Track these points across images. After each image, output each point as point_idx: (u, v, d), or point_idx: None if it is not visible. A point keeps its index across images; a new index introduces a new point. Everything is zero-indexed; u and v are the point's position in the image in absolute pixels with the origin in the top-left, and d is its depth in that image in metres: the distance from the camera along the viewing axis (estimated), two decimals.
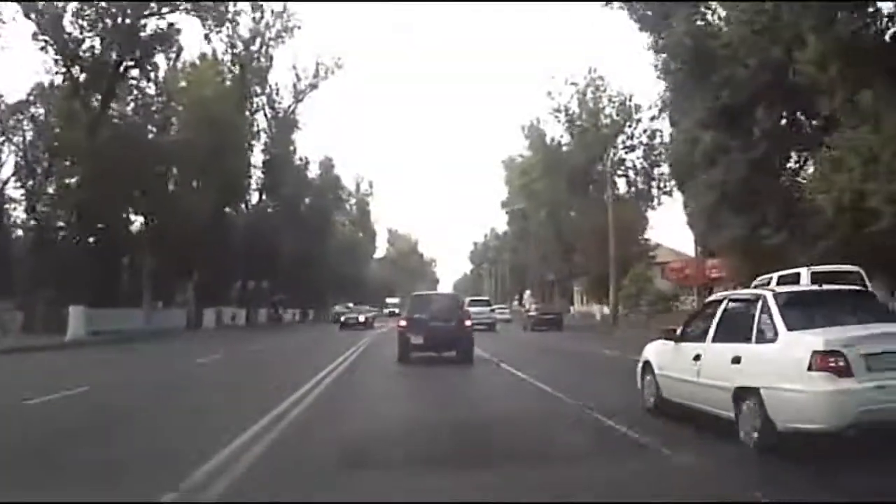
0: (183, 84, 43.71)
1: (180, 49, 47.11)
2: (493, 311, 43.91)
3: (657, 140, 50.27)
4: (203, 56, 44.57)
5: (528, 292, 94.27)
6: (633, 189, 51.40)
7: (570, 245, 56.72)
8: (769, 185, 24.67)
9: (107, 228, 35.59)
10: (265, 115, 51.65)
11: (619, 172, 50.42)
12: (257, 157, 52.53)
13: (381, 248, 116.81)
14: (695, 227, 46.87)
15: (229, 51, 46.73)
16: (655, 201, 50.66)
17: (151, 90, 45.60)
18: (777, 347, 6.44)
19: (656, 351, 9.06)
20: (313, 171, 63.40)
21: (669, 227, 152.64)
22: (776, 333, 6.52)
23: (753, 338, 6.79)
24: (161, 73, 45.05)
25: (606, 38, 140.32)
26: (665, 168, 48.18)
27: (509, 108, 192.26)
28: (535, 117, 56.31)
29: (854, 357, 5.86)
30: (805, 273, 13.94)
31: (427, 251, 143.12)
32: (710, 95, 24.59)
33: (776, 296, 6.97)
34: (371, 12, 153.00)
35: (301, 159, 59.55)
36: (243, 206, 51.59)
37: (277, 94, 51.59)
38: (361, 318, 44.11)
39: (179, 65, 45.14)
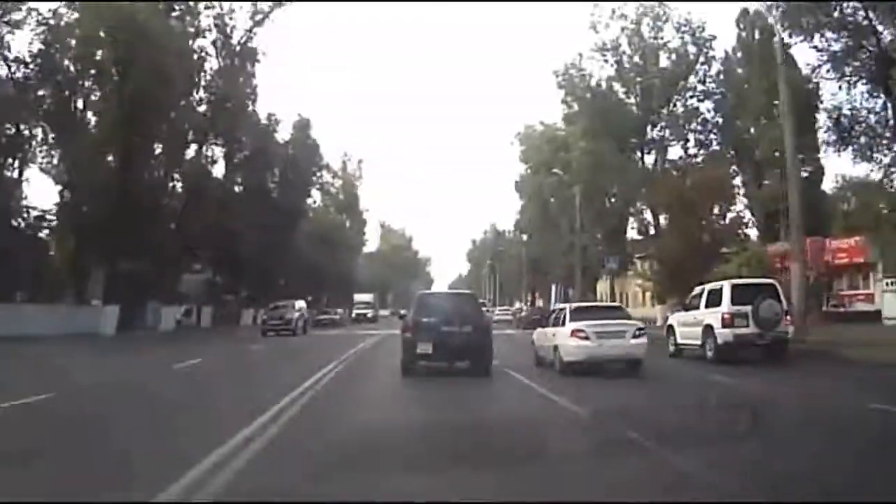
0: None
1: None
2: (488, 311, 49.48)
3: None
4: None
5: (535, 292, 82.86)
6: (704, 150, 38.72)
7: (616, 226, 44.40)
8: None
9: None
10: (215, 45, 37.90)
11: (690, 127, 37.95)
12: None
13: (372, 243, 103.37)
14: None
15: None
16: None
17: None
18: (565, 328, 14.51)
19: (536, 332, 17.52)
20: (284, 135, 49.84)
21: None
22: (566, 323, 14.69)
23: (561, 324, 14.97)
24: None
25: None
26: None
27: (508, 102, 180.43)
28: (577, 53, 42.35)
29: (591, 332, 13.98)
30: (727, 285, 17.36)
31: (421, 250, 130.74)
32: None
33: (570, 307, 16.12)
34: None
35: (270, 118, 46.17)
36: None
37: (230, 16, 37.65)
38: None
39: None
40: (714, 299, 17.16)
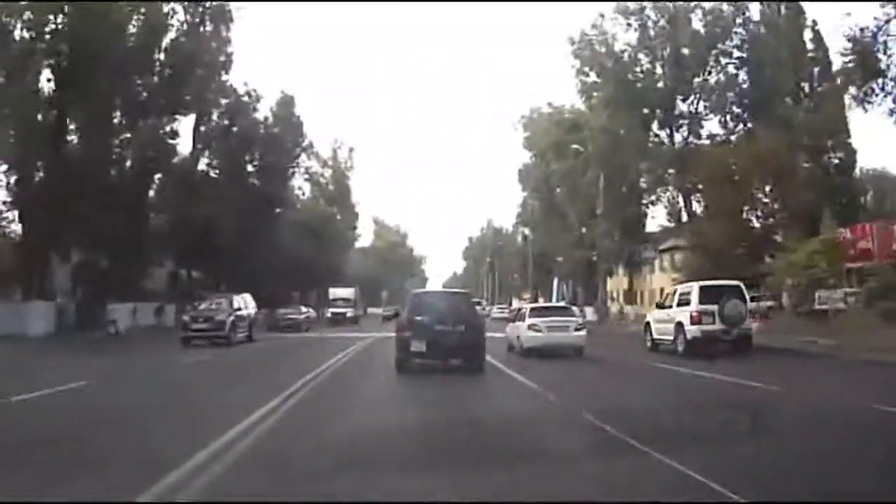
0: None
1: None
2: (484, 309, 51.00)
3: None
4: None
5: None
6: (742, 125, 33.73)
7: (635, 215, 39.51)
8: None
9: None
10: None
11: (728, 97, 33.07)
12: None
13: (365, 239, 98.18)
14: None
15: None
16: None
17: None
18: (525, 322, 18.73)
19: (508, 326, 22.11)
20: (267, 114, 44.50)
21: None
22: (527, 319, 18.76)
23: (523, 319, 19.11)
24: None
25: None
26: None
27: (503, 96, 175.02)
28: (598, 14, 36.84)
29: (543, 326, 18.23)
30: (696, 287, 18.92)
31: (416, 247, 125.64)
32: None
33: (529, 307, 21.32)
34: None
35: (249, 93, 41.04)
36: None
37: None
38: None
39: None
40: (684, 299, 18.98)
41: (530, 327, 18.31)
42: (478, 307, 41.28)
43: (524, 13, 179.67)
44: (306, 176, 64.67)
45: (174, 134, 32.66)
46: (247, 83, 40.17)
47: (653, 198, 39.94)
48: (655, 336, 20.11)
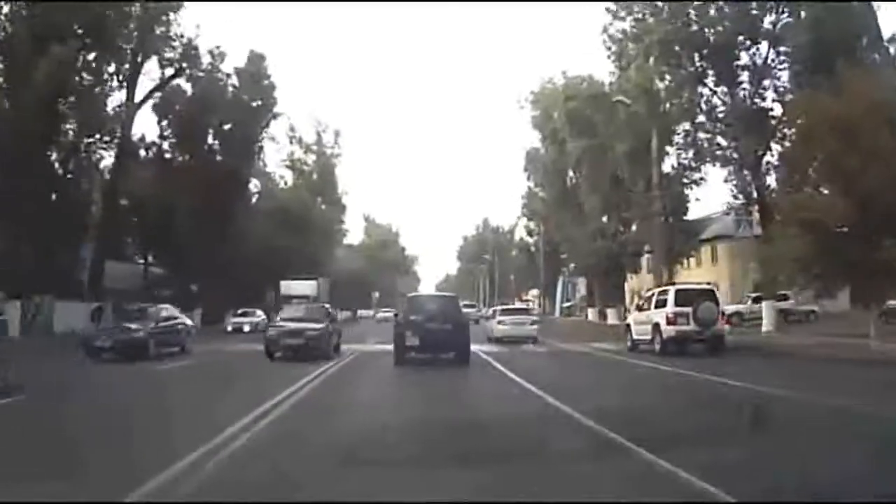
0: None
1: None
2: (479, 311, 53.39)
3: None
4: None
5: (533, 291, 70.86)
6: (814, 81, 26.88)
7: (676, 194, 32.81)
8: None
9: None
10: None
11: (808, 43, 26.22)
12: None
13: (354, 235, 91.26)
14: None
15: None
16: None
17: None
18: (496, 318, 28.25)
19: (488, 322, 30.33)
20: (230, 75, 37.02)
21: None
22: (497, 317, 28.47)
23: (494, 318, 28.66)
24: None
25: None
26: None
27: (497, 92, 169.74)
28: None
29: (508, 322, 27.47)
30: (672, 290, 20.52)
31: (408, 247, 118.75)
32: None
33: (500, 308, 31.87)
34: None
35: (212, 51, 33.95)
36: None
37: None
38: None
39: None
40: (662, 302, 20.39)
41: (499, 322, 27.00)
42: (472, 309, 45.06)
43: (524, 10, 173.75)
44: (287, 163, 58.19)
45: (93, 71, 24.84)
46: (199, 25, 33.06)
47: (696, 177, 33.33)
48: (635, 336, 21.49)
